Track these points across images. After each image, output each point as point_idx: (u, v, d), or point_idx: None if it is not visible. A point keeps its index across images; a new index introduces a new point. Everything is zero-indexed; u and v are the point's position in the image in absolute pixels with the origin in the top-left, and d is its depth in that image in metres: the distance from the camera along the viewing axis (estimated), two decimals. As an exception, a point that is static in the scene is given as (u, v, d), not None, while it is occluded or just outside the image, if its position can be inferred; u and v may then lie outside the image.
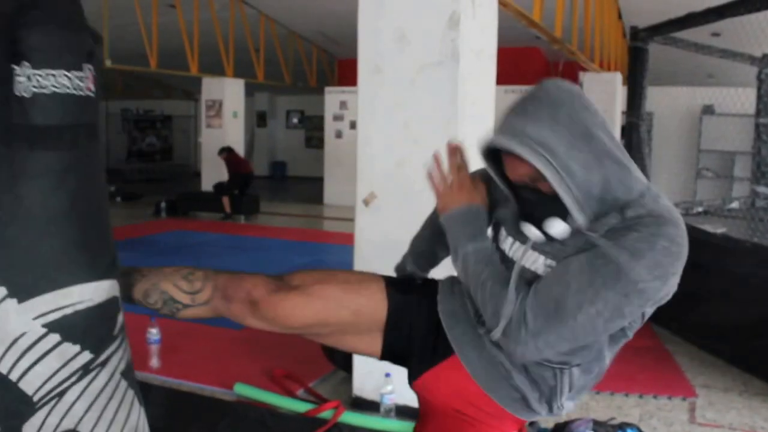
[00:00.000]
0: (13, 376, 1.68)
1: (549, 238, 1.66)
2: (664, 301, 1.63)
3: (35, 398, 1.71)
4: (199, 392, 4.46)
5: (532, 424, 3.75)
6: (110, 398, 1.84)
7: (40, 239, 1.68)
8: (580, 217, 1.59)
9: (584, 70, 11.13)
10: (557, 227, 1.65)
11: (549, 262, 1.67)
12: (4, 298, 1.65)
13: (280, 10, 14.00)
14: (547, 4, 7.21)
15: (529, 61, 14.11)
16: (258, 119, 23.89)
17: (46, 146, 1.67)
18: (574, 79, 10.44)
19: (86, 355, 1.77)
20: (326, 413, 4.04)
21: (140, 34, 11.94)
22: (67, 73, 1.68)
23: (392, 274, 3.99)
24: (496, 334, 1.64)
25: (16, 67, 1.63)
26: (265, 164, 23.05)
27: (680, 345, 5.56)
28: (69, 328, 1.73)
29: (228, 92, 14.66)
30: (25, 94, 1.64)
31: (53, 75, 1.66)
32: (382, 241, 4.12)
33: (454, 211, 1.84)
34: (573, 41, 9.24)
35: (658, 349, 5.48)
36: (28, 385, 1.70)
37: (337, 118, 15.51)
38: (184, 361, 4.96)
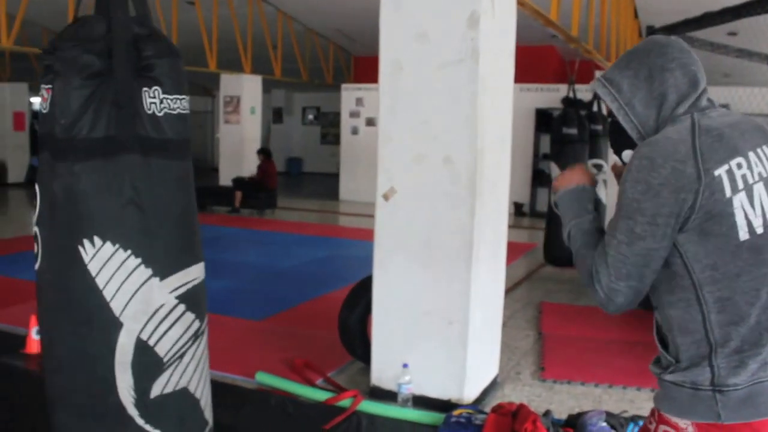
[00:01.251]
0: (152, 342, 2.04)
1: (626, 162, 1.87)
2: (683, 216, 1.67)
3: (165, 360, 2.08)
4: (221, 380, 4.57)
5: (546, 414, 3.84)
6: (206, 361, 2.25)
7: (172, 229, 2.09)
8: (639, 143, 1.82)
9: (600, 68, 11.16)
10: (626, 155, 1.90)
11: None
12: (149, 278, 2.02)
13: (298, 7, 14.12)
14: (564, 4, 7.26)
15: (544, 59, 14.15)
16: (274, 115, 24.05)
17: (174, 156, 2.07)
18: (590, 78, 10.46)
19: (197, 323, 2.17)
20: (345, 402, 4.14)
21: (160, 30, 12.06)
22: (184, 97, 2.11)
23: (411, 265, 4.10)
24: (590, 291, 1.83)
25: (147, 90, 1.99)
26: (281, 160, 23.17)
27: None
28: (190, 299, 2.13)
29: (246, 88, 14.80)
30: (157, 113, 2.01)
31: (178, 99, 2.07)
32: (401, 235, 4.22)
33: (562, 192, 2.00)
34: (589, 40, 9.28)
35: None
36: (161, 349, 2.06)
37: (353, 114, 15.61)
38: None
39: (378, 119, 4.34)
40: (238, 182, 13.37)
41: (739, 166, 1.68)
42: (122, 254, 1.98)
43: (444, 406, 4.05)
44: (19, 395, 4.39)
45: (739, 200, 1.66)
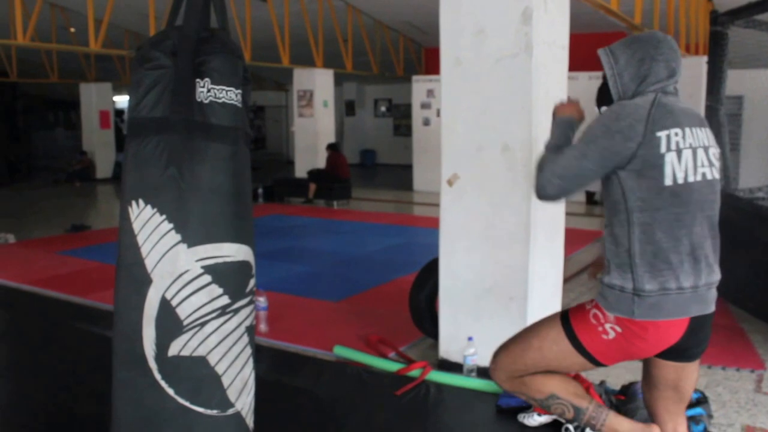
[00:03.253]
0: (174, 302, 2.29)
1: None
2: (626, 158, 2.34)
3: (184, 323, 2.30)
4: (302, 353, 5.00)
5: (601, 383, 4.11)
6: (235, 342, 2.41)
7: (207, 204, 2.33)
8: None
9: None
10: (603, 109, 2.60)
11: None
12: (177, 243, 2.28)
13: (367, 1, 14.46)
14: (627, -9, 7.41)
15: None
16: (347, 108, 24.46)
17: (216, 139, 2.35)
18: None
19: (225, 299, 2.36)
20: (415, 372, 4.51)
21: (235, 28, 12.57)
22: (233, 90, 2.38)
23: (474, 246, 4.42)
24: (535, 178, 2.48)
25: (199, 80, 2.32)
26: (355, 152, 23.58)
27: (756, 324, 5.74)
28: (217, 273, 2.34)
29: (318, 82, 15.18)
30: (204, 101, 2.32)
31: (225, 90, 2.36)
32: (464, 218, 4.56)
33: (561, 118, 2.65)
34: (655, 27, 9.36)
35: (732, 327, 5.70)
36: (182, 311, 2.30)
37: (425, 106, 15.83)
38: (288, 328, 5.53)
39: (441, 111, 4.68)
40: (313, 174, 13.85)
41: (676, 134, 2.33)
42: (158, 218, 2.28)
43: (506, 376, 4.37)
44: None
45: (670, 157, 2.31)
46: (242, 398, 2.46)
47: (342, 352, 4.93)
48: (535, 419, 3.86)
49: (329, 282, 7.34)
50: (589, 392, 3.78)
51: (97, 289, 6.81)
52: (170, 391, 2.31)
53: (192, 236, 2.29)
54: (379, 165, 23.89)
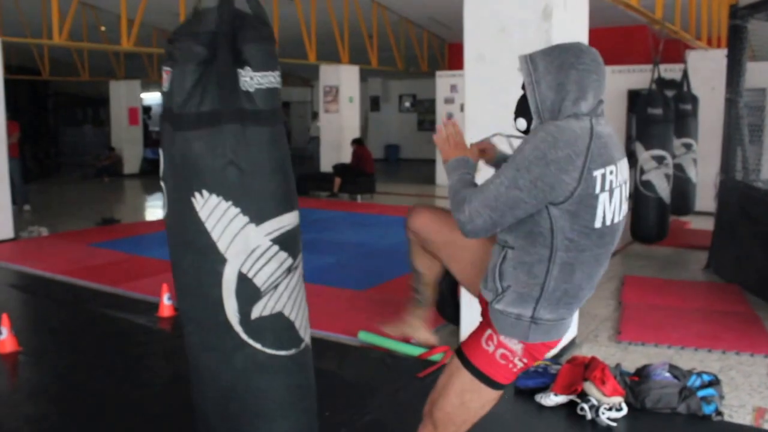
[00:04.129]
0: (250, 274, 2.54)
1: (518, 129, 2.42)
2: (560, 196, 2.13)
3: (261, 289, 2.57)
4: (327, 339, 5.19)
5: (616, 366, 4.25)
6: (299, 291, 2.73)
7: (265, 183, 2.54)
8: (534, 116, 2.28)
9: (690, 47, 11.21)
10: (520, 122, 2.39)
11: None
12: (246, 224, 2.50)
13: (392, -3, 14.64)
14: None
15: (637, 40, 14.17)
16: (372, 104, 24.66)
17: (265, 123, 2.51)
18: (678, 57, 10.53)
19: (289, 261, 2.64)
20: (437, 356, 4.68)
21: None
22: (272, 73, 2.52)
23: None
24: (456, 213, 2.26)
25: (240, 70, 2.46)
26: (379, 147, 23.77)
27: (771, 311, 5.86)
28: (282, 241, 2.60)
29: (344, 78, 15.39)
30: (250, 89, 2.47)
31: (266, 76, 2.50)
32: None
33: (451, 160, 2.47)
34: (676, 20, 9.42)
35: (748, 314, 5.82)
36: (258, 280, 2.56)
37: (448, 101, 15.96)
38: (315, 315, 5.61)
39: (465, 104, 4.84)
40: (338, 168, 14.05)
41: (611, 172, 2.18)
42: (224, 204, 2.48)
43: (525, 360, 4.53)
44: (154, 348, 5.18)
45: (603, 198, 2.17)
46: (307, 330, 2.82)
47: (366, 337, 5.11)
48: (551, 399, 4.03)
49: (354, 272, 7.53)
50: (604, 372, 3.96)
51: (127, 279, 7.07)
52: (258, 346, 2.60)
53: (258, 215, 2.52)
54: (403, 160, 24.07)
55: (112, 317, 5.86)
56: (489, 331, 2.40)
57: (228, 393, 2.67)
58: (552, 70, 2.25)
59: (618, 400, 3.89)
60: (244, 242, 2.52)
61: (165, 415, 3.96)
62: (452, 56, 18.47)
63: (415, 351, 4.83)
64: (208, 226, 2.49)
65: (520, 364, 2.38)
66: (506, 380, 2.43)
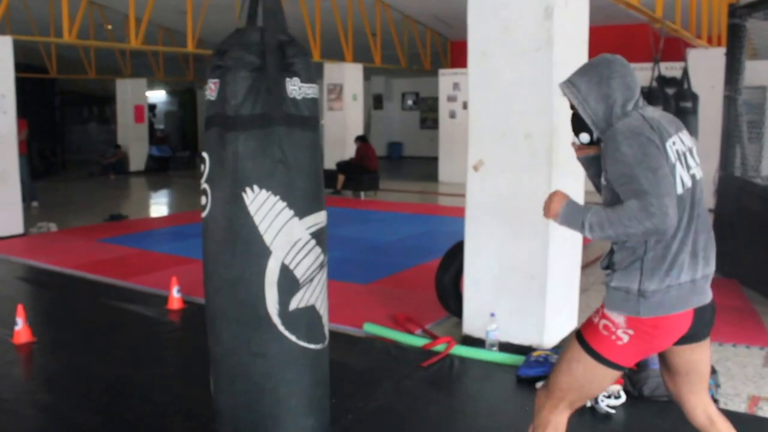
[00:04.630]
0: (291, 266, 2.79)
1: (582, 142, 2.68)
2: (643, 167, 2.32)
3: (300, 281, 2.82)
4: (333, 330, 5.29)
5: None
6: (325, 289, 2.97)
7: (308, 182, 2.83)
8: (593, 128, 2.57)
9: (690, 46, 11.29)
10: (583, 137, 2.63)
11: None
12: (291, 217, 2.77)
13: (395, -4, 14.71)
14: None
15: (639, 38, 14.23)
16: (375, 102, 24.76)
17: (308, 128, 2.83)
18: (679, 55, 10.62)
19: (322, 256, 2.91)
20: (440, 346, 4.80)
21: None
22: (314, 86, 2.86)
23: (497, 228, 4.70)
24: (644, 226, 2.32)
25: (288, 79, 2.75)
26: (382, 145, 23.83)
27: (769, 305, 5.96)
28: (319, 236, 2.88)
29: (348, 76, 15.50)
30: (297, 97, 2.78)
31: (310, 86, 2.82)
32: (489, 202, 4.86)
33: (560, 211, 2.53)
34: (677, 19, 9.51)
35: (746, 309, 5.92)
36: (298, 272, 2.81)
37: (451, 99, 16.06)
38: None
39: (468, 101, 4.97)
40: (341, 165, 14.17)
41: (674, 143, 2.44)
42: (273, 199, 2.73)
43: (526, 351, 4.64)
44: (164, 339, 5.35)
45: (678, 166, 2.42)
46: (326, 329, 3.04)
47: (371, 329, 5.23)
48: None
49: (358, 266, 7.65)
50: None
51: (136, 273, 7.21)
52: (293, 338, 2.83)
53: (301, 210, 2.80)
54: (406, 157, 24.16)
55: (122, 309, 5.99)
56: (604, 321, 2.53)
57: (261, 387, 2.84)
58: (593, 87, 2.53)
59: (617, 388, 4.00)
60: (288, 234, 2.76)
61: (174, 403, 4.09)
62: (455, 54, 18.55)
63: (419, 342, 4.95)
64: (257, 219, 2.73)
65: (625, 338, 2.46)
66: (612, 355, 2.50)
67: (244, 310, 2.80)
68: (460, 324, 5.21)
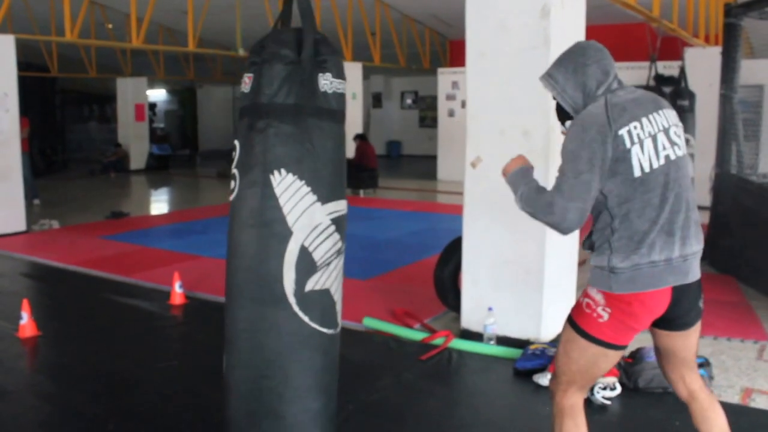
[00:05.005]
0: (310, 248, 2.91)
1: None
2: (608, 161, 2.48)
3: (317, 264, 2.94)
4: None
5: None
6: (341, 276, 3.11)
7: (331, 170, 2.97)
8: (574, 115, 2.66)
9: (687, 45, 11.36)
10: (568, 124, 2.71)
11: None
12: (314, 202, 2.90)
13: (395, -5, 14.79)
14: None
15: (638, 37, 14.30)
16: (374, 100, 24.83)
17: (335, 121, 2.97)
18: (677, 54, 10.71)
19: (340, 243, 3.03)
20: (438, 340, 4.88)
21: (267, 23, 12.96)
22: (343, 81, 3.00)
23: (495, 223, 4.78)
24: (546, 217, 2.57)
25: (321, 74, 2.89)
26: (381, 144, 23.90)
27: (764, 301, 6.03)
28: (338, 223, 3.00)
29: (347, 75, 15.40)
30: (328, 91, 2.92)
31: (340, 82, 2.98)
32: (486, 198, 4.93)
33: (510, 174, 2.79)
34: (674, 18, 9.58)
35: (741, 304, 6.00)
36: (316, 255, 2.93)
37: (450, 97, 16.14)
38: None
39: (467, 99, 5.04)
40: (341, 164, 14.21)
41: (635, 127, 2.52)
42: (298, 183, 2.87)
43: (523, 344, 4.72)
44: (166, 333, 5.44)
45: (635, 150, 2.50)
46: (340, 316, 3.20)
47: (371, 323, 5.31)
48: (549, 379, 4.21)
49: (358, 263, 7.70)
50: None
51: (139, 269, 7.28)
52: (305, 318, 2.94)
53: (324, 196, 2.94)
54: (405, 156, 24.22)
55: (125, 305, 6.08)
56: (586, 300, 2.64)
57: (272, 364, 2.96)
58: (570, 76, 2.65)
59: (612, 380, 4.08)
60: (310, 218, 2.90)
61: (176, 394, 4.19)
62: (454, 53, 18.64)
63: (418, 336, 5.03)
64: (281, 201, 2.87)
65: (605, 315, 2.56)
66: (597, 332, 2.59)
67: (262, 288, 2.93)
68: (458, 319, 5.29)
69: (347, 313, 5.54)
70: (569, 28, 4.83)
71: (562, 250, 5.02)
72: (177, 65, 20.41)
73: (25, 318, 5.11)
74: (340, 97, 3.00)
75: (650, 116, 2.56)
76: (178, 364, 4.72)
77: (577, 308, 2.67)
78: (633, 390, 4.12)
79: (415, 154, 23.78)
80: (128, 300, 6.19)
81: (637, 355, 4.34)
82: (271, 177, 2.88)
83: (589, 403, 4.00)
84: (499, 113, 4.86)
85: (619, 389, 4.07)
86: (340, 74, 2.99)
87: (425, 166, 18.86)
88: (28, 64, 16.51)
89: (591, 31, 5.16)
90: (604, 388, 4.04)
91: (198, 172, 19.96)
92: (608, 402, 4.00)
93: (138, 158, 19.27)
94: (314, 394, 3.03)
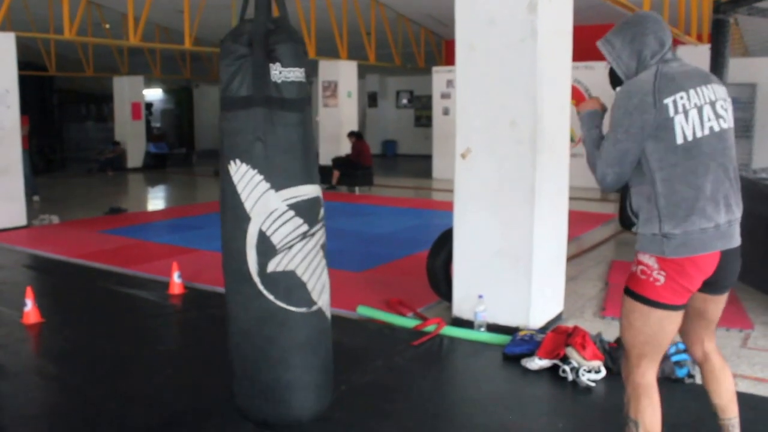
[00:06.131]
0: (268, 233, 3.10)
1: None
2: (648, 129, 2.63)
3: (277, 247, 3.12)
4: (329, 313, 5.52)
5: (597, 334, 4.58)
6: (314, 257, 3.24)
7: (286, 158, 3.12)
8: (626, 81, 2.80)
9: (680, 43, 11.46)
10: (618, 90, 2.83)
11: None
12: (268, 189, 3.08)
13: (390, -5, 14.90)
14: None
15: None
16: (369, 100, 24.92)
17: (290, 109, 3.10)
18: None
19: (304, 227, 3.18)
20: (430, 327, 5.01)
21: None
22: (298, 69, 3.11)
23: (484, 213, 4.91)
24: (594, 175, 2.81)
25: (272, 65, 3.03)
26: (376, 143, 23.97)
27: (752, 293, 6.16)
28: (298, 208, 3.15)
29: (342, 74, 15.71)
30: (278, 81, 3.05)
31: (292, 71, 3.09)
32: (475, 187, 5.07)
33: (583, 113, 2.99)
34: (664, 16, 9.72)
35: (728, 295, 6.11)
36: (274, 239, 3.11)
37: (445, 96, 16.19)
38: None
39: (456, 91, 5.18)
40: (337, 161, 14.37)
41: (681, 98, 2.64)
42: (251, 172, 3.07)
43: (512, 331, 4.85)
44: (166, 320, 5.58)
45: (678, 119, 2.63)
46: (322, 297, 3.35)
47: (365, 311, 5.45)
48: (536, 363, 4.36)
49: (353, 256, 7.85)
50: (585, 338, 4.30)
51: (138, 261, 7.42)
52: (270, 297, 3.16)
53: (278, 183, 3.11)
54: (400, 155, 24.31)
55: (125, 294, 6.22)
56: (641, 267, 2.74)
57: (245, 335, 3.22)
58: (626, 44, 2.80)
59: (597, 363, 4.22)
60: (265, 204, 3.08)
61: (175, 377, 4.32)
62: (449, 52, 18.71)
63: (410, 323, 5.16)
64: (239, 188, 3.08)
65: (661, 279, 2.66)
66: (657, 295, 2.69)
67: (234, 268, 3.19)
68: (450, 308, 5.42)
69: (342, 302, 5.72)
70: (557, 21, 4.97)
71: (551, 240, 5.15)
72: (173, 64, 20.51)
73: (29, 305, 5.25)
74: (295, 86, 3.11)
75: (698, 89, 2.67)
76: (177, 348, 4.86)
77: (632, 278, 2.78)
78: (617, 374, 4.23)
79: (410, 153, 23.85)
80: (128, 290, 6.32)
81: (621, 341, 4.47)
82: (229, 167, 3.12)
83: (575, 386, 4.14)
84: (488, 104, 4.99)
85: (603, 372, 4.21)
86: (293, 62, 3.10)
87: (421, 165, 18.92)
88: (26, 63, 16.61)
89: (581, 31, 5.32)
90: (590, 371, 4.18)
91: (195, 171, 20.06)
92: (593, 384, 4.13)
93: (135, 157, 19.39)
94: (285, 366, 3.25)
